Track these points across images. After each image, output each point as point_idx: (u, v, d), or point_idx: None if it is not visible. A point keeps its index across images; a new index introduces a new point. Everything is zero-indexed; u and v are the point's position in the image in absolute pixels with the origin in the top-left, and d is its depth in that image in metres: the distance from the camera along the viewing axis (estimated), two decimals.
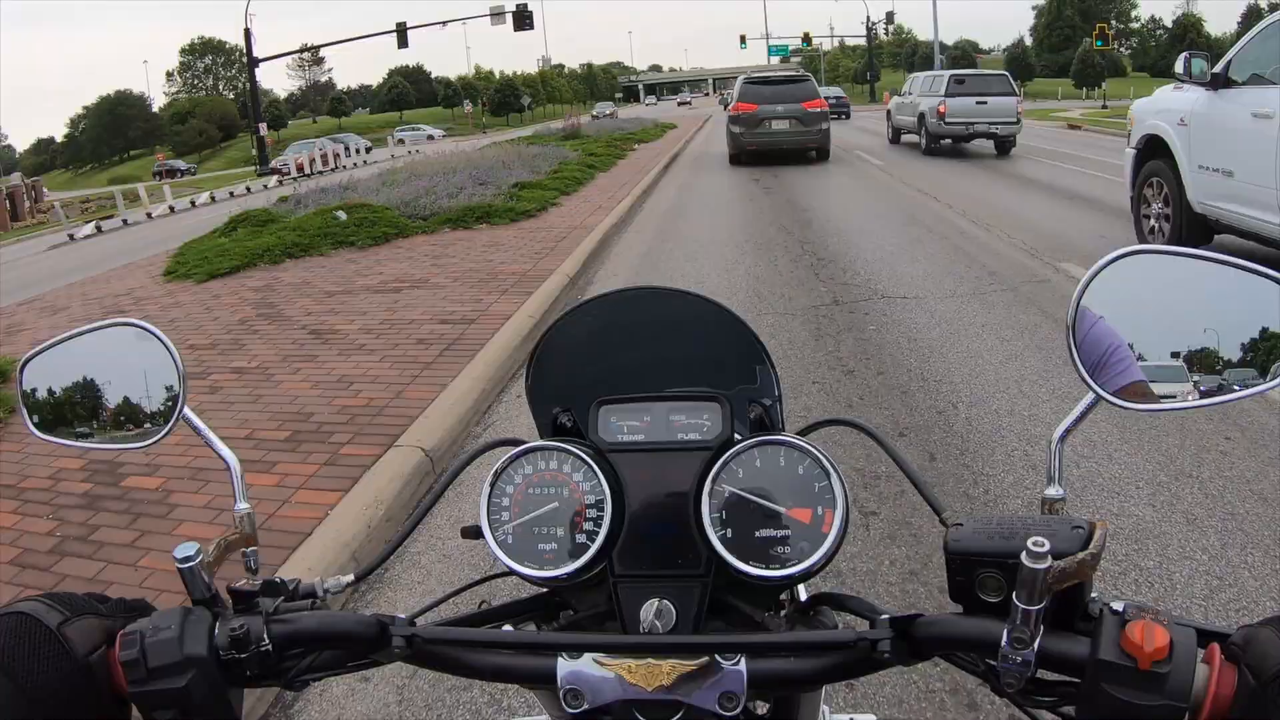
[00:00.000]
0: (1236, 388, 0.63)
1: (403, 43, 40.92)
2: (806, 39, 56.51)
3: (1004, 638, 0.54)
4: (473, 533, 0.76)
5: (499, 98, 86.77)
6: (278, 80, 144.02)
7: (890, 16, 57.73)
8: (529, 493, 0.73)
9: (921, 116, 17.31)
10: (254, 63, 41.12)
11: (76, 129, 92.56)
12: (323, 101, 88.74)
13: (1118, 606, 0.54)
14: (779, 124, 15.72)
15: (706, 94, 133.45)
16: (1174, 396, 0.64)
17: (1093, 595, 0.56)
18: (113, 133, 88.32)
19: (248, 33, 38.20)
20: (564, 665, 0.62)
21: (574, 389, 0.83)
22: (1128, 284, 0.64)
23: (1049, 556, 0.51)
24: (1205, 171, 5.81)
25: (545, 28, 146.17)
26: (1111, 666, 0.51)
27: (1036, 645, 0.53)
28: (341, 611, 0.68)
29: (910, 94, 18.84)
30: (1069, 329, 0.64)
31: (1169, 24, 75.25)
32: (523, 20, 38.42)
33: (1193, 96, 5.96)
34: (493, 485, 0.74)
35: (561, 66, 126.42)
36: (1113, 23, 68.73)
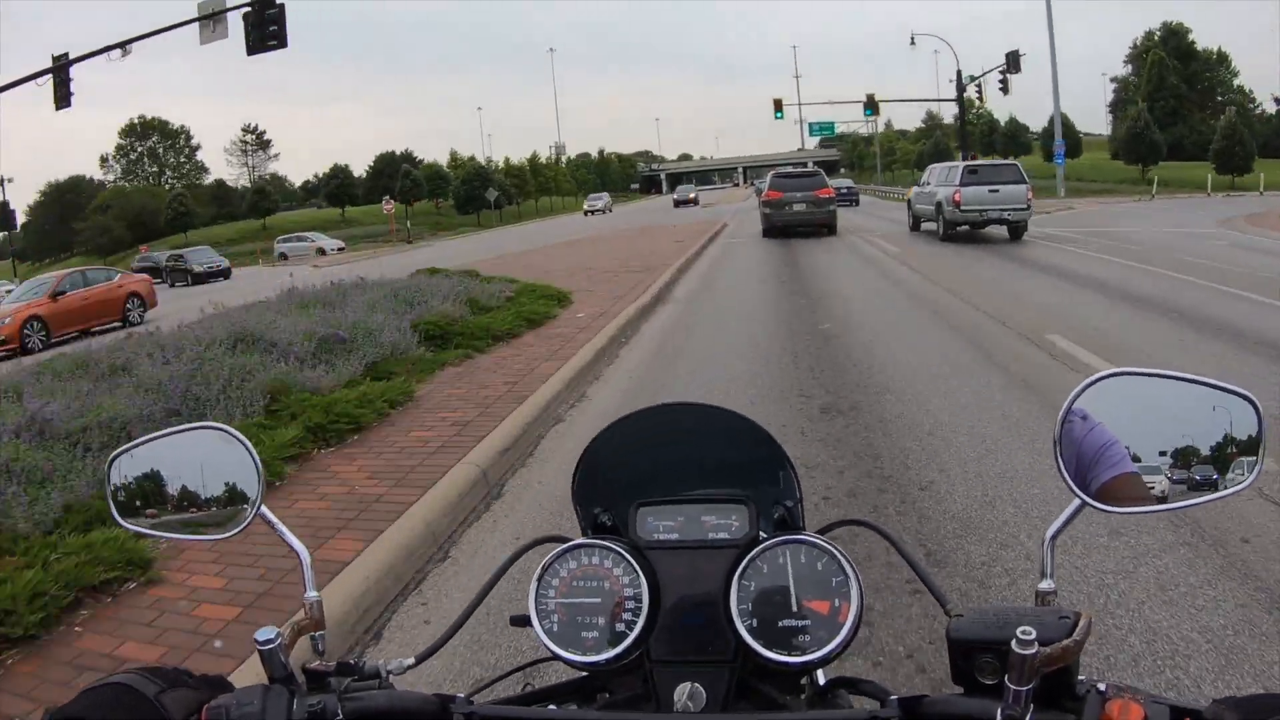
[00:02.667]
0: (1207, 489, 0.71)
1: (62, 97, 19.24)
2: (872, 104, 42.36)
3: (998, 715, 0.61)
4: (522, 621, 0.83)
5: (465, 190, 67.20)
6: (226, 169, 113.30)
7: (1014, 61, 35.60)
8: (573, 585, 0.81)
9: (939, 205, 18.54)
10: None
11: (33, 216, 75.16)
12: (264, 195, 67.76)
13: (1102, 687, 0.61)
14: (798, 206, 21.18)
15: (737, 184, 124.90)
16: (1151, 499, 0.71)
17: (1081, 678, 0.64)
18: (60, 222, 71.19)
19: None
20: None
21: (614, 492, 0.93)
22: (1112, 400, 0.72)
23: (1035, 643, 0.59)
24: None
25: (559, 110, 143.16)
26: None
27: None
28: (407, 690, 0.75)
29: (929, 184, 20.17)
30: (1055, 442, 0.72)
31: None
32: (265, 26, 19.15)
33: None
34: (540, 578, 0.82)
35: (560, 153, 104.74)
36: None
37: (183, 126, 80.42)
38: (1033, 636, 0.59)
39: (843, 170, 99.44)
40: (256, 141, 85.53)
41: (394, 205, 49.53)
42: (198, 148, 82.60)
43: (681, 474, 0.95)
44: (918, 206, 21.03)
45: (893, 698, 0.69)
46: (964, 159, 27.53)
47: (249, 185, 77.02)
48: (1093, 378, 0.73)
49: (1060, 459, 0.73)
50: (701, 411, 0.98)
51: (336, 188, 70.59)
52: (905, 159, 77.12)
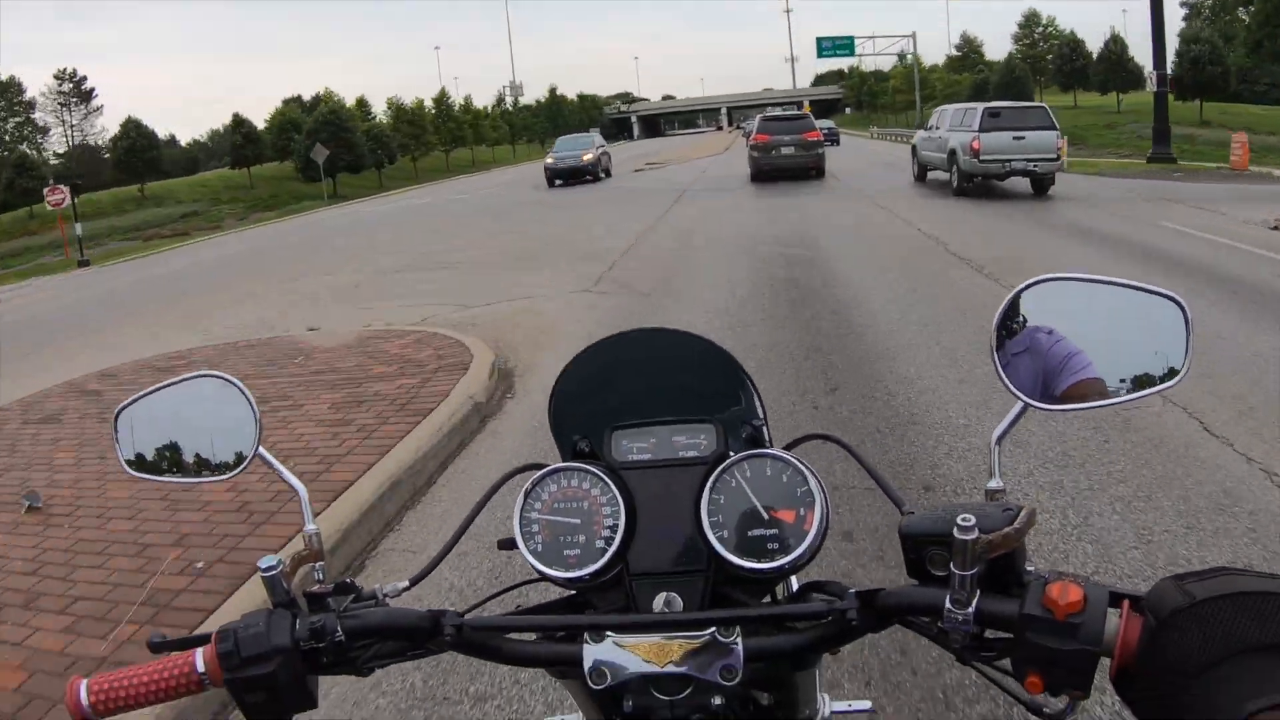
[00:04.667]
0: (1142, 385, 0.73)
1: None
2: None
3: (946, 600, 0.64)
4: (508, 544, 0.85)
5: (308, 147, 41.29)
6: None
7: None
8: (554, 507, 0.84)
9: (952, 153, 15.93)
10: None
11: None
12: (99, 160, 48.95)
13: (1045, 574, 0.63)
14: (786, 150, 20.79)
15: (720, 126, 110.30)
16: (1091, 396, 0.74)
17: (1028, 567, 0.65)
18: None
19: None
20: (589, 650, 0.73)
21: (589, 418, 0.94)
22: (1044, 305, 0.73)
23: (975, 529, 0.61)
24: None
25: (513, 48, 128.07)
26: (1035, 619, 0.60)
27: (974, 606, 0.63)
28: (402, 608, 0.78)
29: (937, 128, 17.50)
30: (992, 344, 0.74)
31: None
32: None
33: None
34: (524, 502, 0.84)
35: (516, 95, 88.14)
36: None
37: (11, 78, 56.96)
38: (972, 523, 0.61)
39: (848, 110, 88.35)
40: (75, 92, 60.90)
41: (65, 194, 25.60)
42: (31, 104, 58.06)
43: (653, 398, 0.95)
44: (924, 154, 18.37)
45: (851, 591, 0.73)
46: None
47: (69, 149, 57.72)
48: (1026, 283, 0.74)
49: (998, 363, 0.74)
50: (668, 337, 0.99)
51: (237, 146, 48.75)
52: (946, 94, 52.40)
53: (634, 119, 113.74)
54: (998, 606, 0.63)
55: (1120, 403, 0.73)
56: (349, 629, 0.73)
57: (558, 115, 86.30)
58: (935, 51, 68.90)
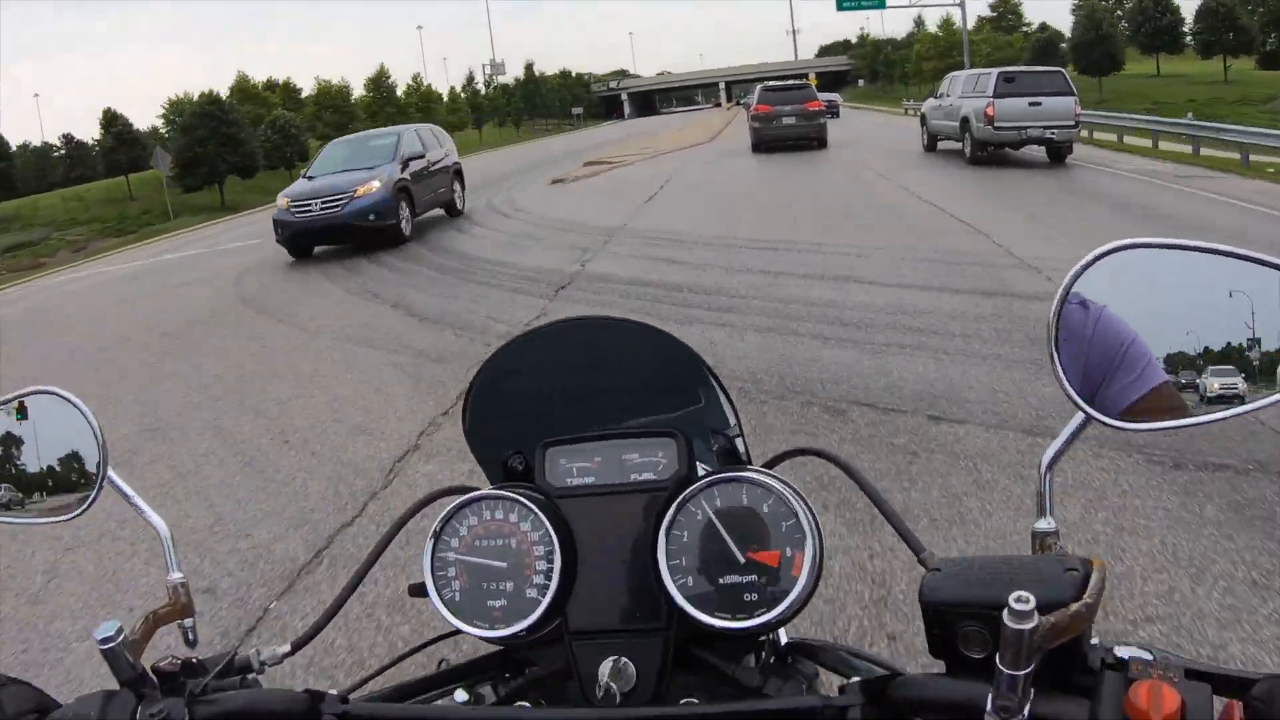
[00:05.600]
0: (1241, 399, 0.55)
1: None
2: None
3: (988, 704, 0.47)
4: (419, 590, 0.71)
5: (189, 148, 33.30)
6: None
7: None
8: (474, 545, 0.69)
9: (965, 121, 15.35)
10: None
11: None
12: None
13: (1123, 654, 0.48)
14: (787, 120, 20.43)
15: (718, 103, 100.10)
16: (1176, 410, 0.56)
17: (1094, 641, 0.50)
18: None
19: None
20: None
21: (518, 431, 0.78)
22: (1119, 284, 0.56)
23: (1035, 614, 0.45)
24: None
25: (491, 22, 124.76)
26: None
27: (1026, 712, 0.47)
28: (270, 689, 0.65)
29: (948, 95, 16.87)
30: (1051, 339, 0.56)
31: None
32: None
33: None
34: (436, 539, 0.70)
35: (496, 74, 79.22)
36: None
37: None
38: (1031, 606, 0.45)
39: (861, 83, 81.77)
40: None
41: None
42: None
43: (598, 406, 0.81)
44: (934, 123, 17.75)
45: (854, 680, 0.58)
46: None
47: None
48: (1095, 252, 0.56)
49: (1058, 360, 0.56)
50: (615, 328, 0.82)
51: (108, 150, 38.63)
52: (995, 58, 42.24)
53: (624, 97, 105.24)
54: (1060, 710, 0.47)
55: (1224, 418, 0.54)
56: (201, 718, 0.61)
57: (535, 95, 77.57)
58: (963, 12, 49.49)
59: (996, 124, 14.39)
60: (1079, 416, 0.57)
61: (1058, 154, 14.77)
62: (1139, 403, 0.56)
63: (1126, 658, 0.48)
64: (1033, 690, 0.47)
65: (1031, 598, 0.45)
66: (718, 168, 18.90)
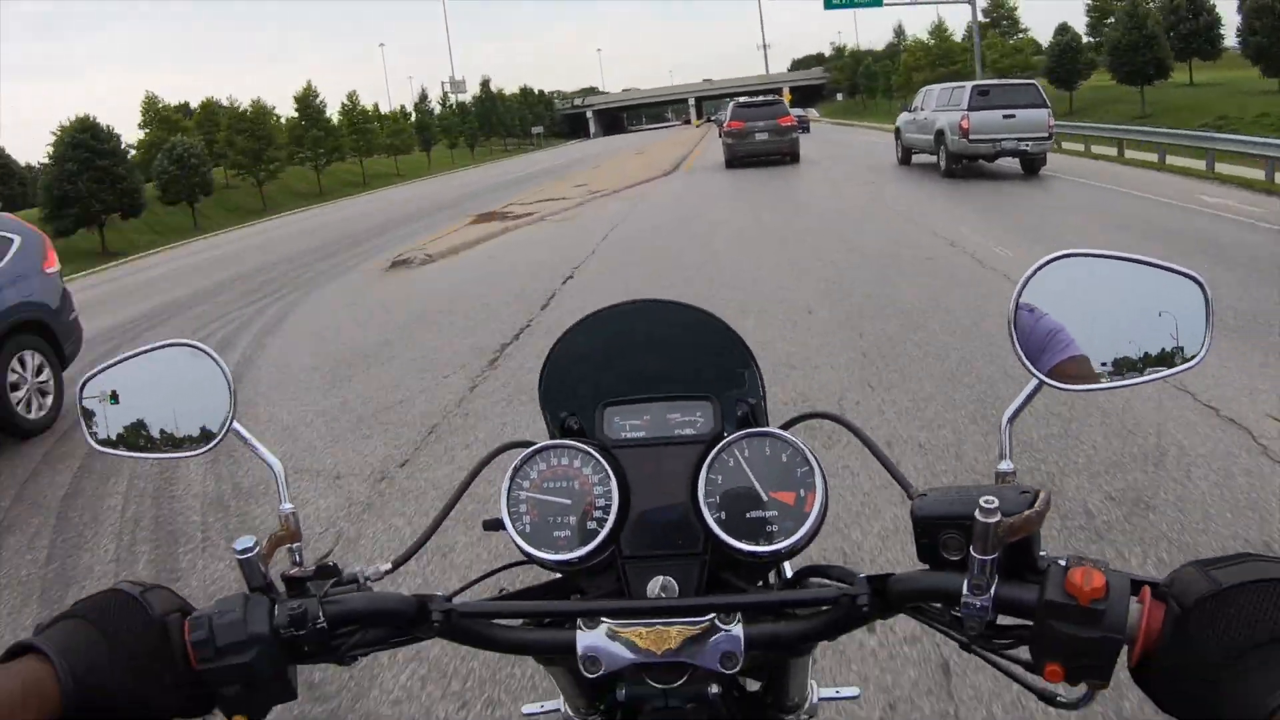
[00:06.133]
0: (1157, 366, 0.70)
1: None
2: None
3: (964, 587, 0.62)
4: (494, 525, 0.81)
5: (57, 177, 27.90)
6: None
7: None
8: (543, 486, 0.79)
9: (940, 134, 15.52)
10: None
11: None
12: None
13: (1063, 560, 0.60)
14: (760, 135, 20.79)
15: (687, 120, 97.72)
16: (1104, 376, 0.70)
17: (1041, 552, 0.63)
18: None
19: None
20: (582, 636, 0.69)
21: (580, 395, 0.90)
22: (1062, 284, 0.71)
23: (998, 513, 0.58)
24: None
25: (450, 41, 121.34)
26: (1057, 606, 0.58)
27: (993, 591, 0.61)
28: (386, 592, 0.74)
29: (923, 109, 17.07)
30: (1010, 321, 0.71)
31: None
32: None
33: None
34: (511, 480, 0.79)
35: (456, 93, 75.41)
36: None
37: None
38: (995, 505, 0.59)
39: (839, 97, 79.36)
40: None
41: None
42: None
43: (647, 374, 0.91)
44: (909, 136, 17.94)
45: (861, 575, 0.71)
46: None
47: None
48: (1041, 261, 0.71)
49: (1015, 340, 0.72)
50: (667, 309, 0.94)
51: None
52: (1001, 66, 38.95)
53: (590, 115, 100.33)
54: (1017, 593, 0.61)
55: (1136, 384, 0.70)
56: (331, 615, 0.69)
57: (491, 114, 72.87)
58: (952, 19, 53.17)
59: (971, 137, 14.55)
60: (1033, 381, 0.70)
61: (1031, 165, 14.95)
62: (1068, 368, 0.70)
63: (1065, 559, 0.60)
64: (997, 577, 0.60)
65: (997, 499, 0.59)
66: (677, 216, 13.69)
